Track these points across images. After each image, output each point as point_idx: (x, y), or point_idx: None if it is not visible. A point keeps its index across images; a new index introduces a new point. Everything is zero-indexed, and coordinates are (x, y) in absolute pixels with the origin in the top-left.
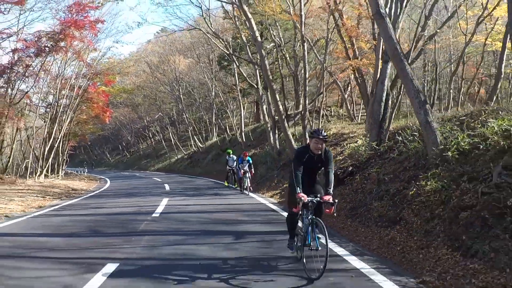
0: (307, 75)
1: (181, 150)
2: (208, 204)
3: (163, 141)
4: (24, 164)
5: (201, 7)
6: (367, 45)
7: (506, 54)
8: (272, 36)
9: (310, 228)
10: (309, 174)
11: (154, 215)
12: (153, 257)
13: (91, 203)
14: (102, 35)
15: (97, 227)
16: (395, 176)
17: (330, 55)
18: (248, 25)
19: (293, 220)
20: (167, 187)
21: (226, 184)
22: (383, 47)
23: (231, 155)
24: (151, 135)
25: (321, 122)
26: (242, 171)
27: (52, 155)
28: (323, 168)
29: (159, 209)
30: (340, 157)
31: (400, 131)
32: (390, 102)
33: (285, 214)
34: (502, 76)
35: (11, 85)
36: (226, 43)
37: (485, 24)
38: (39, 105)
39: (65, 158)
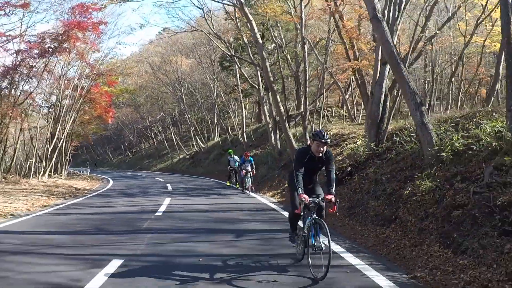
0: (307, 77)
1: (183, 150)
2: (209, 203)
3: (165, 141)
4: (28, 164)
5: (202, 9)
6: (368, 46)
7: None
8: (274, 37)
9: (313, 228)
10: (310, 175)
11: (157, 213)
12: (156, 253)
13: (95, 202)
14: (105, 36)
15: (102, 225)
16: (392, 176)
17: (331, 56)
18: (249, 27)
19: (294, 218)
20: (169, 187)
21: (228, 184)
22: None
23: (232, 155)
24: (153, 135)
25: (322, 122)
26: (244, 171)
27: (55, 155)
28: (323, 168)
29: (162, 208)
30: (340, 158)
31: (398, 132)
32: (388, 103)
33: (285, 213)
34: (500, 77)
35: (15, 86)
36: (227, 44)
37: (485, 25)
38: (42, 105)
39: (68, 158)
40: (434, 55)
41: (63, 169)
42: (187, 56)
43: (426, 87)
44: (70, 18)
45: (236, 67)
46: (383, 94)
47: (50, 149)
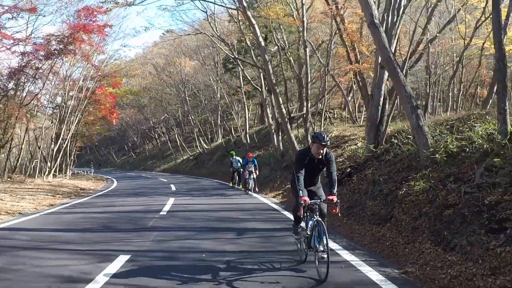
0: (309, 79)
1: (187, 151)
2: (212, 203)
3: (168, 142)
4: (33, 164)
5: (206, 12)
6: (369, 49)
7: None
8: (277, 39)
9: (316, 230)
10: (311, 176)
11: (161, 213)
12: (161, 249)
13: (100, 202)
14: (110, 38)
15: (108, 223)
16: (389, 177)
17: (333, 58)
18: (252, 30)
19: (298, 216)
20: (173, 187)
21: (231, 185)
22: None
23: (235, 157)
24: (157, 136)
25: (324, 124)
26: (247, 172)
27: (60, 155)
28: (324, 169)
29: (166, 207)
30: (340, 159)
31: (396, 134)
32: (387, 106)
33: (285, 212)
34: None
35: (21, 87)
36: (231, 46)
37: (486, 27)
38: (47, 106)
39: (72, 158)
40: (435, 57)
41: (68, 169)
42: (191, 58)
43: (428, 89)
44: (76, 21)
45: (239, 69)
46: (382, 97)
47: (55, 150)
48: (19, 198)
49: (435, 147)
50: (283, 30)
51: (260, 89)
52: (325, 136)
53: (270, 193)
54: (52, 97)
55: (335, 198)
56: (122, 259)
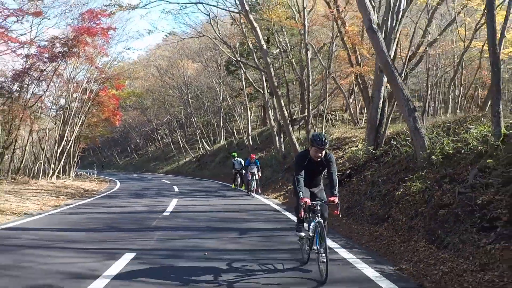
0: (310, 82)
1: (189, 153)
2: (215, 204)
3: (171, 144)
4: (37, 165)
5: (209, 15)
6: (370, 51)
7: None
8: (279, 41)
9: (317, 231)
10: (311, 177)
11: (165, 213)
12: (165, 248)
13: (104, 203)
14: (113, 41)
15: (113, 223)
16: (388, 178)
17: (334, 61)
18: (254, 33)
19: (299, 221)
20: (176, 188)
21: (234, 187)
22: None
23: (237, 158)
24: (159, 138)
25: (326, 126)
26: (250, 173)
27: (63, 157)
28: (325, 170)
29: (169, 208)
30: (341, 161)
31: (395, 136)
32: (386, 108)
33: (286, 213)
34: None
35: (25, 89)
36: (233, 49)
37: (486, 30)
38: (51, 108)
39: (76, 159)
40: (436, 59)
41: (71, 171)
42: (193, 60)
43: (427, 91)
44: (80, 24)
45: (242, 71)
46: (382, 99)
47: (59, 151)
48: (24, 199)
49: (431, 149)
50: (285, 32)
51: (262, 92)
52: (324, 139)
53: (272, 194)
54: (56, 99)
55: (336, 200)
56: (127, 257)
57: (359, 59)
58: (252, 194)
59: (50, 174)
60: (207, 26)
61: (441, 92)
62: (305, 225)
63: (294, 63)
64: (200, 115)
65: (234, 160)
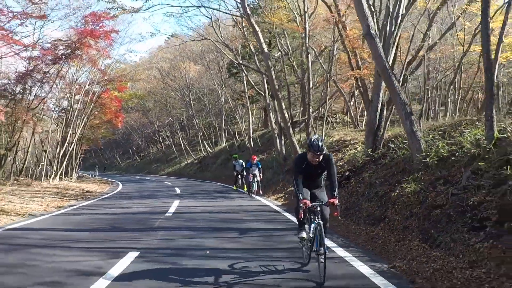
0: (311, 85)
1: (191, 155)
2: (216, 205)
3: (173, 146)
4: (40, 167)
5: (211, 18)
6: (370, 55)
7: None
8: (280, 44)
9: (318, 233)
10: (311, 179)
11: (167, 214)
12: (168, 247)
13: (107, 204)
14: (116, 43)
15: (116, 224)
16: (385, 180)
17: (335, 64)
18: (256, 37)
19: (299, 223)
20: (177, 190)
21: (235, 188)
22: None
23: (238, 160)
24: (161, 140)
25: (327, 128)
26: (251, 175)
27: (66, 158)
28: (326, 171)
29: (172, 209)
30: (340, 163)
31: (393, 139)
32: (385, 112)
33: (286, 214)
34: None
35: (29, 91)
36: (235, 51)
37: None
38: (54, 110)
39: (78, 161)
40: (437, 62)
41: (74, 172)
42: (195, 62)
43: (424, 95)
44: (83, 26)
45: (243, 74)
46: (380, 103)
47: (61, 153)
48: (28, 200)
49: (427, 152)
50: (286, 35)
51: (263, 94)
52: (321, 145)
53: (273, 196)
54: (58, 101)
55: (336, 201)
56: (131, 255)
57: (360, 63)
58: (253, 195)
59: (53, 175)
60: (209, 28)
61: (442, 95)
62: (306, 226)
63: (295, 66)
64: (202, 117)
65: (235, 162)
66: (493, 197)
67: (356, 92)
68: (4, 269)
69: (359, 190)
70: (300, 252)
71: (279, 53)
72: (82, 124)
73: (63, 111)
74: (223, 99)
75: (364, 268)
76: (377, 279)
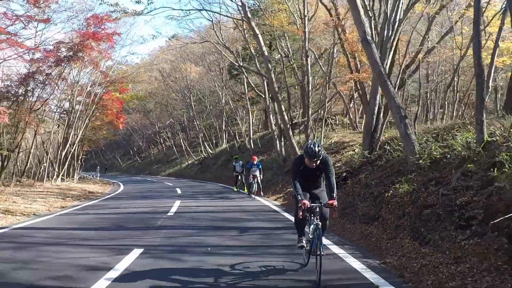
0: (310, 87)
1: (192, 156)
2: (217, 205)
3: (174, 147)
4: (42, 168)
5: (212, 21)
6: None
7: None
8: (281, 46)
9: (316, 233)
10: (310, 180)
11: (169, 214)
12: (171, 244)
13: (110, 204)
14: (118, 45)
15: (120, 223)
16: (380, 181)
17: (335, 66)
18: (256, 40)
19: (298, 224)
20: (178, 191)
21: (235, 189)
22: None
23: (238, 161)
24: (162, 141)
25: (326, 130)
26: (252, 176)
27: (68, 159)
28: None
29: (173, 209)
30: (338, 164)
31: (389, 141)
32: (381, 115)
33: (285, 214)
34: (490, 90)
35: (31, 93)
36: (235, 54)
37: (486, 39)
38: (56, 111)
39: (80, 162)
40: (436, 66)
41: (75, 173)
42: (196, 63)
43: (428, 96)
44: (85, 29)
45: (244, 76)
46: (377, 106)
47: (63, 154)
48: (31, 201)
49: (420, 154)
50: (287, 37)
51: (263, 96)
52: (317, 151)
53: (272, 196)
54: (60, 102)
55: (335, 203)
56: (136, 252)
57: (359, 66)
58: (253, 196)
59: (55, 176)
60: (210, 30)
61: (441, 98)
62: (307, 228)
63: (295, 68)
64: (203, 118)
65: (235, 163)
66: (480, 197)
67: (355, 95)
68: (17, 265)
69: (355, 190)
70: (297, 249)
71: (280, 55)
72: (84, 126)
73: (64, 112)
74: (223, 101)
75: (356, 264)
76: (368, 274)
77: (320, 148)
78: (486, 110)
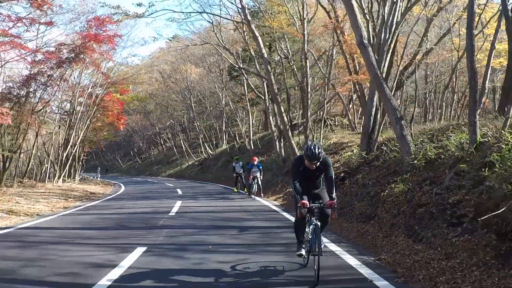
0: (309, 89)
1: (192, 157)
2: (217, 205)
3: (174, 148)
4: (43, 169)
5: (212, 23)
6: None
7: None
8: (280, 48)
9: (315, 234)
10: (310, 180)
11: (170, 214)
12: (173, 242)
13: (112, 204)
14: (119, 47)
15: (123, 222)
16: (377, 181)
17: (335, 67)
18: (256, 42)
19: (298, 225)
20: (179, 191)
21: (236, 190)
22: None
23: (238, 162)
24: (162, 142)
25: (325, 131)
26: (252, 177)
27: (69, 160)
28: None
29: (174, 209)
30: (336, 165)
31: (386, 142)
32: (379, 116)
33: (284, 213)
34: (486, 91)
35: (33, 94)
36: (235, 55)
37: (478, 41)
38: (57, 112)
39: (81, 163)
40: (434, 67)
41: (76, 174)
42: (196, 65)
43: (426, 97)
44: (86, 31)
45: (244, 77)
46: (374, 108)
47: (64, 155)
48: (34, 202)
49: (416, 154)
50: (287, 39)
51: (263, 97)
52: (317, 153)
53: (272, 197)
54: (62, 103)
55: (334, 203)
56: (140, 250)
57: (357, 67)
58: (253, 196)
59: (56, 177)
60: (210, 32)
61: (439, 99)
62: (307, 228)
63: (295, 69)
64: (203, 119)
65: (235, 164)
66: (471, 196)
67: (354, 96)
68: (24, 263)
69: (353, 190)
70: (295, 247)
71: (279, 56)
72: (85, 127)
73: (66, 113)
74: (223, 102)
75: (352, 261)
76: (363, 270)
77: (320, 150)
78: (485, 110)
